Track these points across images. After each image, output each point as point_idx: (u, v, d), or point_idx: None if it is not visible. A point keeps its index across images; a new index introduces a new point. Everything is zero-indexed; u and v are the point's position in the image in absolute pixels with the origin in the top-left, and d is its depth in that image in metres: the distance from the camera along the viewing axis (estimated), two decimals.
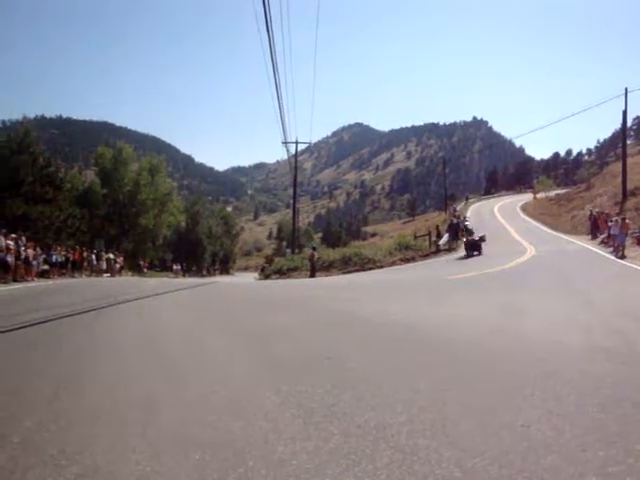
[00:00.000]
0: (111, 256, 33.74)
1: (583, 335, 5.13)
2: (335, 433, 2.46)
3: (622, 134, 38.07)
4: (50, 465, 2.14)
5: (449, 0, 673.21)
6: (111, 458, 2.20)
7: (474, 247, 24.89)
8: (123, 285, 18.56)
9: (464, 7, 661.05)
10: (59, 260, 25.20)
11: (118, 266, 34.85)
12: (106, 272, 31.50)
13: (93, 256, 30.92)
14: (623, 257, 18.17)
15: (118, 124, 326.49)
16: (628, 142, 33.78)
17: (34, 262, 21.50)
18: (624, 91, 33.13)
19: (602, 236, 25.29)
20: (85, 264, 29.67)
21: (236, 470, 2.07)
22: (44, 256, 23.41)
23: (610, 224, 22.56)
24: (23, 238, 21.38)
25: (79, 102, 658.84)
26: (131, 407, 2.97)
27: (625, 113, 33.87)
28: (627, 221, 20.86)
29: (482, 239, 25.16)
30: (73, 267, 27.43)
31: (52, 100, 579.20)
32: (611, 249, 20.49)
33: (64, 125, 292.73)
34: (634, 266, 15.33)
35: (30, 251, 21.06)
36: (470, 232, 27.56)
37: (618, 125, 45.01)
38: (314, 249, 30.54)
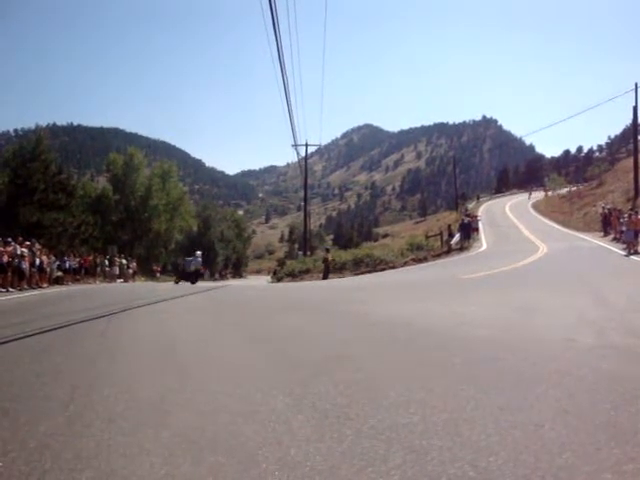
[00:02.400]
0: (124, 261, 34.06)
1: (596, 333, 5.09)
2: (348, 434, 2.46)
3: (633, 130, 37.72)
4: (66, 469, 2.16)
5: (457, 0, 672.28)
6: (126, 462, 2.22)
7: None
8: (136, 290, 18.67)
9: (471, 7, 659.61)
10: (73, 266, 25.43)
11: (131, 271, 35.17)
12: (119, 277, 31.77)
13: (106, 262, 31.18)
14: (636, 253, 18.01)
15: (129, 130, 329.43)
16: (639, 138, 33.45)
17: (48, 269, 21.73)
18: (634, 86, 32.91)
19: (614, 233, 25.11)
20: (98, 270, 29.94)
21: (250, 473, 2.07)
22: (58, 262, 23.66)
23: (622, 221, 22.38)
24: (37, 245, 21.60)
25: (89, 109, 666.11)
26: (145, 411, 2.99)
27: (636, 109, 33.58)
28: (639, 217, 20.62)
29: (198, 273, 22.69)
30: (87, 273, 27.69)
31: (62, 108, 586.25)
32: (624, 246, 20.31)
33: (75, 132, 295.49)
34: None
35: (44, 258, 21.27)
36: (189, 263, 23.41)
37: (629, 121, 44.62)
38: (327, 251, 30.52)
